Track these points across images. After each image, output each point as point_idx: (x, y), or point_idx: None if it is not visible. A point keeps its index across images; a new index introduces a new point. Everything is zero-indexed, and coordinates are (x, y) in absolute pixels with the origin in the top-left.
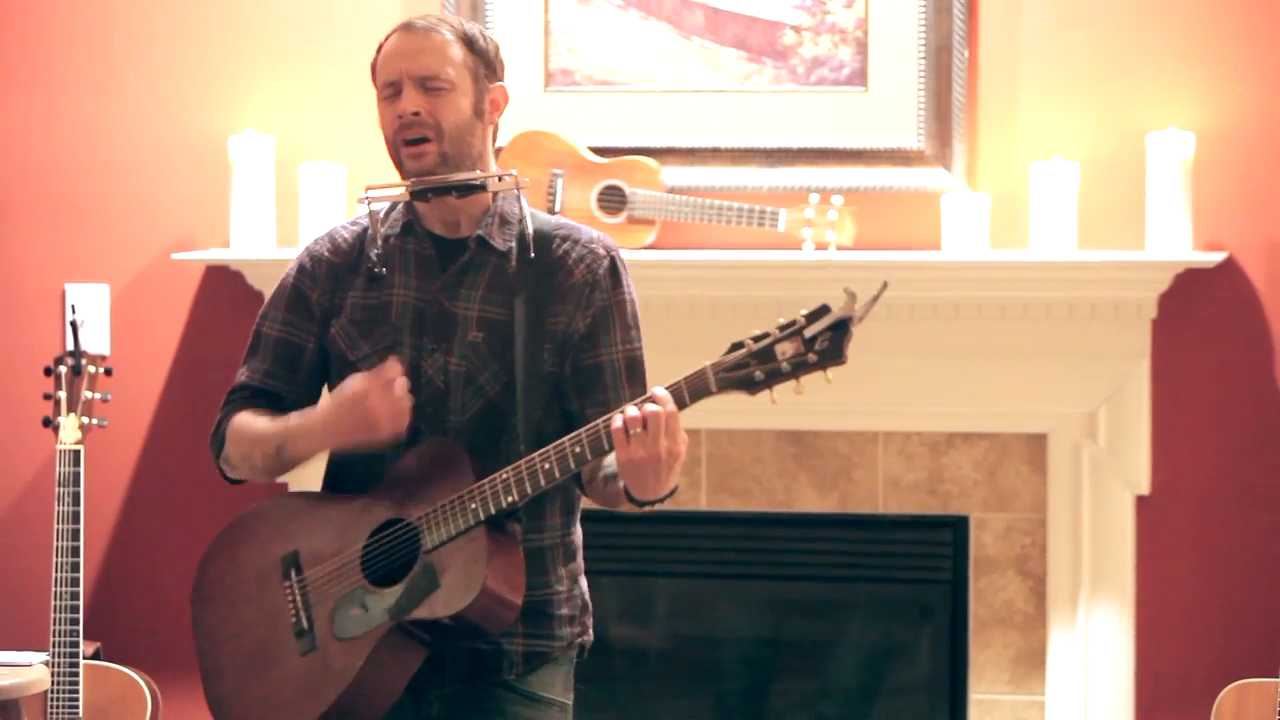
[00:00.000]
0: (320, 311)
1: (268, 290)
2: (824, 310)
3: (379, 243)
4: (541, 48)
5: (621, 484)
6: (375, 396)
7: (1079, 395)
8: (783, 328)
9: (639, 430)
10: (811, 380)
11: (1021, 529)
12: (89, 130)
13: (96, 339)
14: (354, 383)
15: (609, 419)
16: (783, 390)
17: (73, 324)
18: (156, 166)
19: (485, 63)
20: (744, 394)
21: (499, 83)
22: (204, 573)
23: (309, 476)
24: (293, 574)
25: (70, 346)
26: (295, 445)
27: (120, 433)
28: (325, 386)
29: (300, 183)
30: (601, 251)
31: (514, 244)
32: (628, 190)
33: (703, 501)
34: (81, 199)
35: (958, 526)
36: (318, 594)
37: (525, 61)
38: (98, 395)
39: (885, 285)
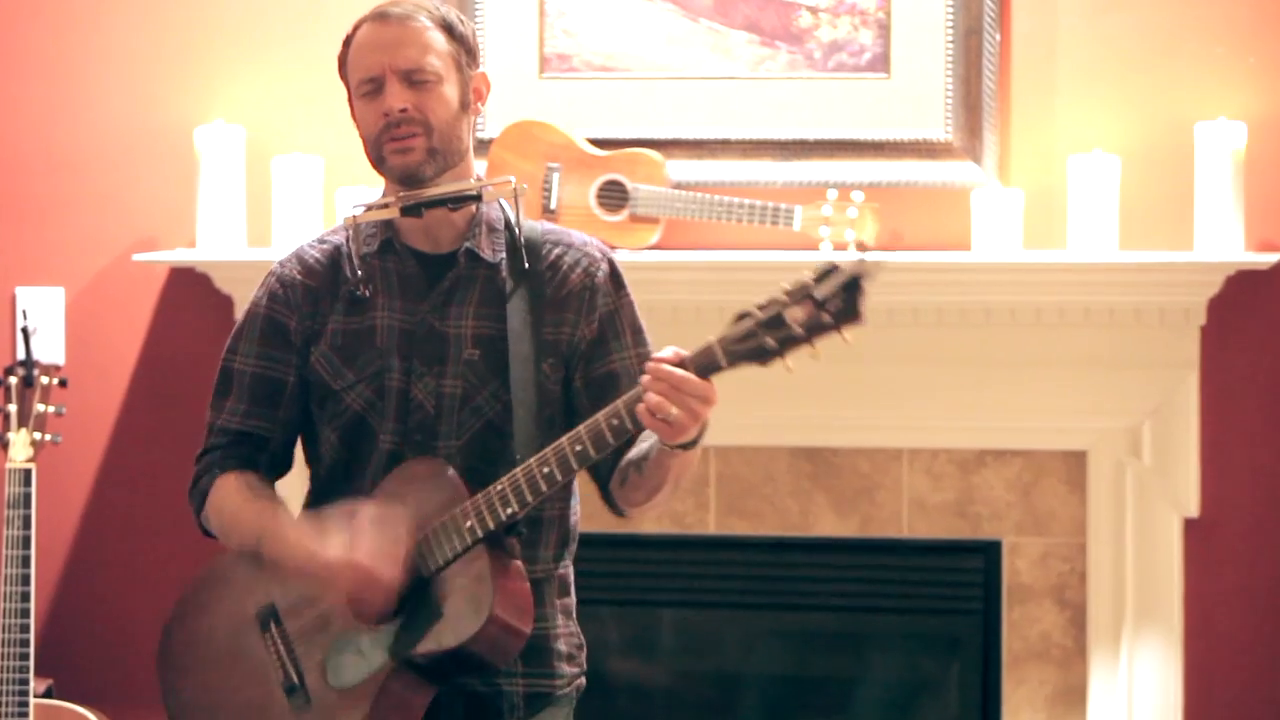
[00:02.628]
0: (299, 340)
1: (237, 294)
2: (832, 268)
3: (357, 262)
4: (536, 30)
5: (652, 447)
6: (346, 587)
7: (1121, 409)
8: (790, 292)
9: (671, 412)
10: (827, 383)
11: (1059, 555)
12: (41, 120)
13: (50, 347)
14: (355, 552)
15: (610, 413)
16: (798, 397)
17: (24, 331)
18: (116, 159)
19: (465, 49)
20: (757, 365)
21: (479, 69)
22: (171, 637)
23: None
24: (272, 626)
25: (21, 355)
26: (271, 549)
27: (75, 450)
28: (304, 421)
29: (273, 177)
30: (597, 255)
31: (504, 254)
32: (630, 185)
33: (711, 525)
34: (33, 194)
35: (989, 552)
36: (304, 644)
37: (518, 45)
38: (51, 409)
39: (898, 236)
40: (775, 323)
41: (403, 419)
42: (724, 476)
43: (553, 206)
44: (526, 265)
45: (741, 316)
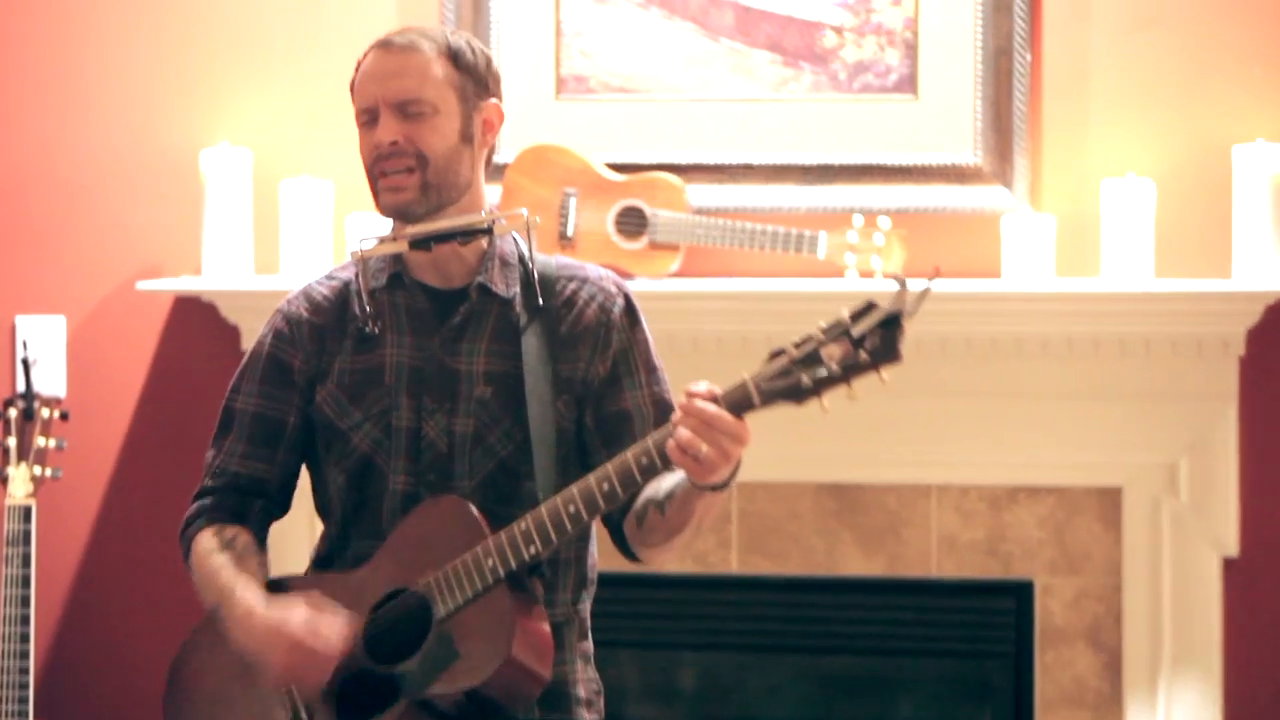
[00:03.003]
0: (303, 379)
1: (244, 323)
2: (870, 306)
3: (366, 297)
4: (552, 51)
5: (677, 484)
6: (295, 656)
7: (1158, 443)
8: (826, 330)
9: (702, 450)
10: (854, 418)
11: (1093, 595)
12: (41, 142)
13: (51, 379)
14: (293, 626)
15: (639, 451)
16: (821, 432)
17: (24, 362)
18: (119, 183)
19: (474, 79)
20: (792, 404)
21: (492, 99)
22: (178, 674)
23: (294, 555)
24: None
25: (21, 387)
26: (224, 612)
27: (77, 486)
28: (307, 460)
29: (281, 201)
30: (613, 289)
31: (518, 288)
32: (649, 211)
33: (733, 564)
34: (33, 220)
35: (1021, 593)
36: None
37: (534, 66)
38: (52, 443)
39: (937, 271)
40: (811, 361)
41: (415, 458)
42: (747, 513)
43: (569, 233)
44: (540, 300)
45: (776, 354)
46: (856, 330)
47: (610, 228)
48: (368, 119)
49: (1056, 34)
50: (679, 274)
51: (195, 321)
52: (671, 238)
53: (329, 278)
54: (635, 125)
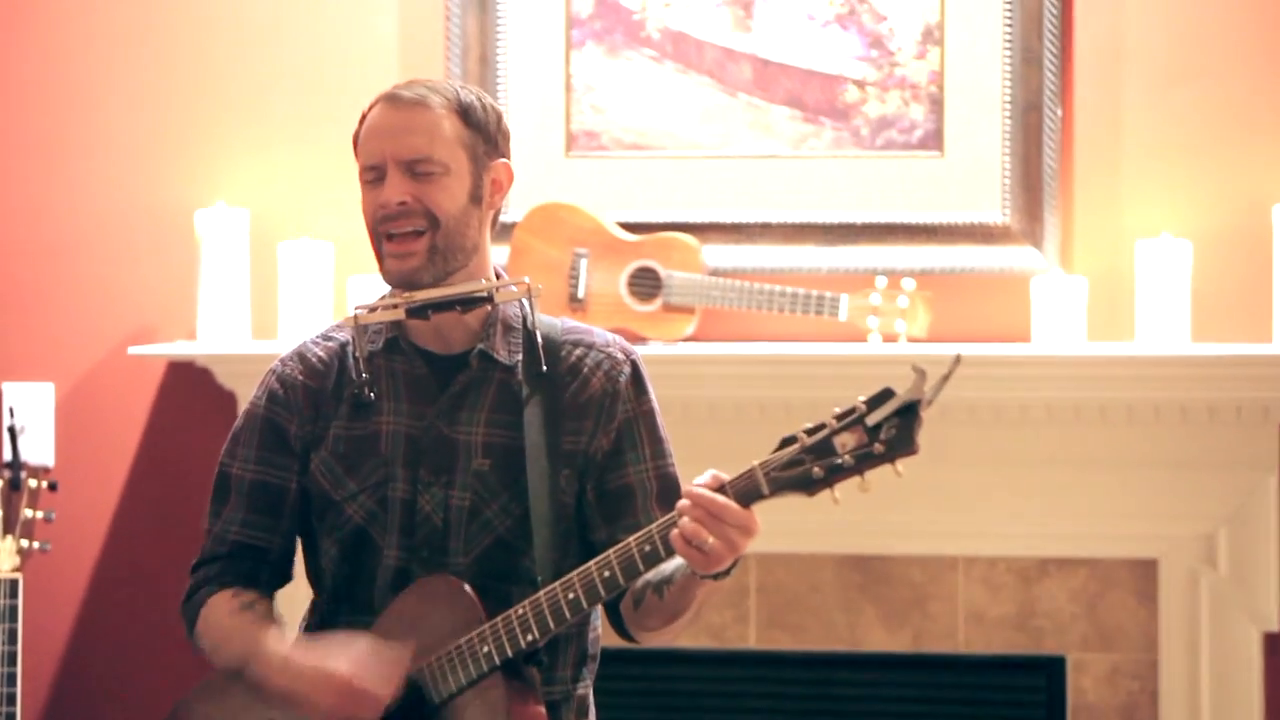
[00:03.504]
0: (300, 445)
1: (240, 390)
2: (887, 394)
3: (362, 363)
4: (562, 106)
5: (678, 569)
6: (345, 702)
7: (1195, 513)
8: (840, 417)
9: (708, 541)
10: (877, 486)
11: (1128, 672)
12: (30, 202)
13: (39, 448)
14: (341, 667)
15: (643, 538)
16: (844, 503)
17: (10, 430)
18: (110, 244)
19: (485, 137)
20: (802, 495)
21: (501, 159)
22: None
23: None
24: None
25: (7, 456)
26: (256, 667)
27: (66, 559)
28: (301, 532)
29: (280, 264)
30: (620, 356)
31: (520, 355)
32: (663, 273)
33: (751, 639)
34: (21, 282)
35: (1053, 669)
36: None
37: (543, 122)
38: (39, 514)
39: (958, 360)
40: (823, 450)
41: (409, 532)
42: (765, 586)
43: (580, 295)
44: (544, 368)
45: (787, 441)
46: (872, 419)
47: (623, 289)
48: (373, 177)
49: (1088, 88)
50: (694, 337)
51: (190, 388)
52: (687, 300)
53: (324, 338)
54: (649, 183)
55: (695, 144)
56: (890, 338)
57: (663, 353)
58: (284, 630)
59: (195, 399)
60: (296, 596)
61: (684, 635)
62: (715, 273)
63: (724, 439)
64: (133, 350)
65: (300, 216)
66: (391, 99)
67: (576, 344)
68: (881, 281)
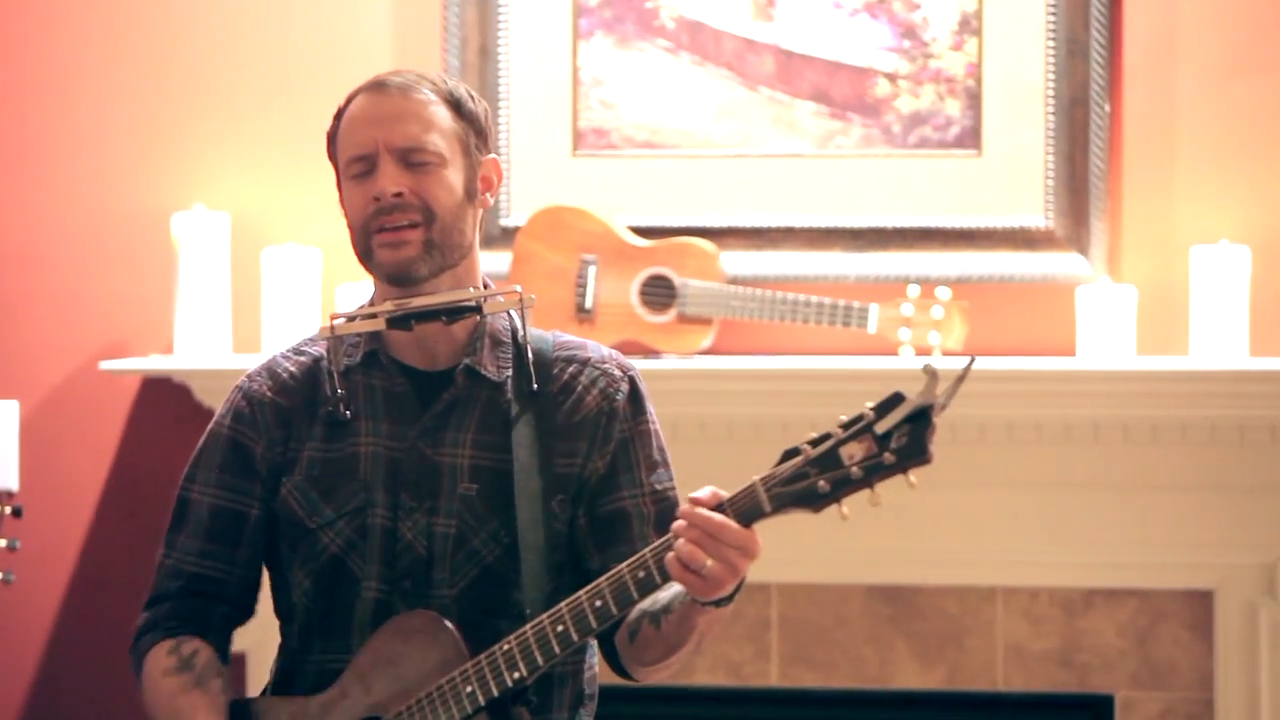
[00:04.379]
0: (267, 468)
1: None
2: (897, 399)
3: (338, 378)
4: (569, 101)
5: (676, 597)
6: None
7: (1253, 541)
8: (846, 425)
9: (705, 564)
10: (906, 513)
11: (1181, 712)
12: None
13: (2, 470)
14: None
15: (636, 564)
16: (872, 529)
17: None
18: (80, 252)
19: (476, 130)
20: (808, 511)
21: (491, 155)
22: None
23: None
24: None
25: None
26: None
27: (32, 590)
28: (269, 558)
29: (263, 271)
30: (617, 373)
31: (510, 371)
32: (678, 281)
33: (773, 676)
34: None
35: (1100, 708)
36: None
37: (549, 119)
38: (3, 542)
39: (972, 361)
40: (829, 461)
41: (389, 563)
42: (788, 619)
43: (588, 305)
44: (535, 386)
45: (790, 454)
46: (881, 426)
47: (634, 299)
48: (362, 169)
49: (1139, 82)
50: (711, 351)
51: (165, 406)
52: (703, 310)
53: (296, 352)
54: (662, 184)
55: (713, 142)
56: (923, 351)
57: (677, 367)
58: (227, 686)
59: (171, 417)
60: (270, 629)
61: (699, 671)
62: (734, 281)
63: (742, 460)
64: (104, 365)
65: (285, 220)
66: (378, 86)
67: (570, 360)
68: (914, 290)
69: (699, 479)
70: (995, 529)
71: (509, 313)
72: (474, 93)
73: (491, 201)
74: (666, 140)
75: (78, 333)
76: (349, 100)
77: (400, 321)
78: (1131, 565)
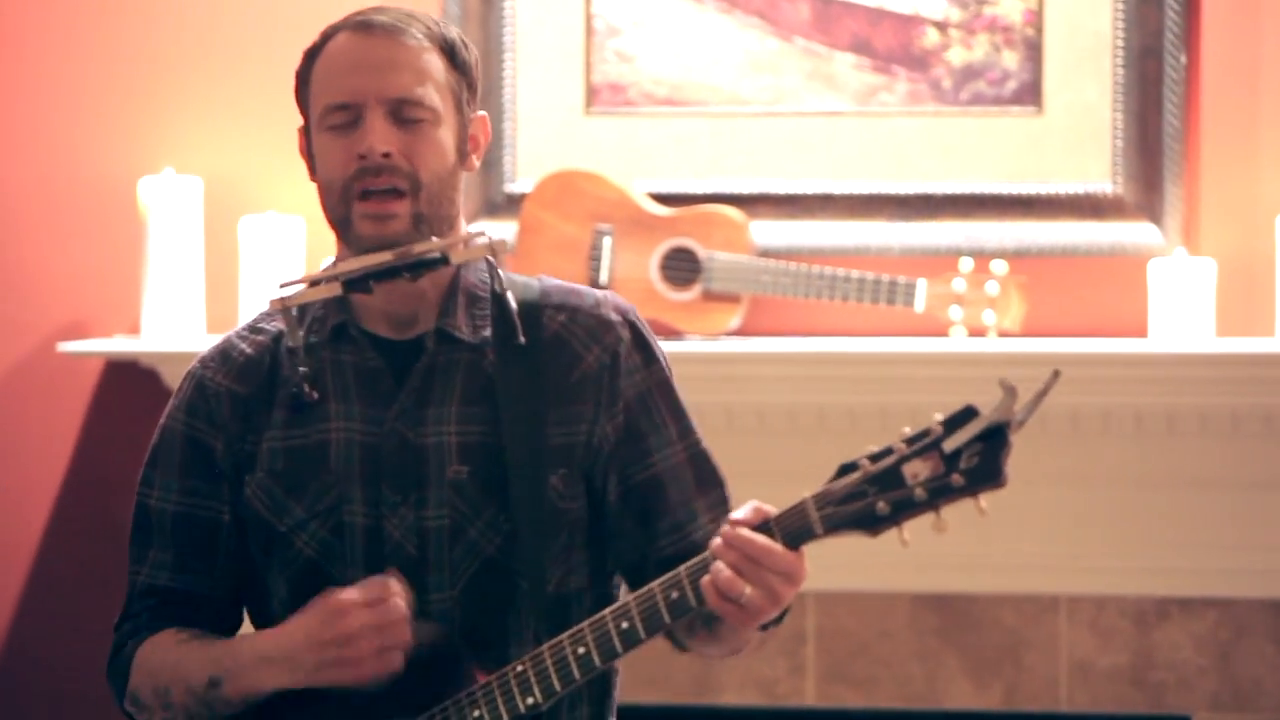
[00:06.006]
0: (230, 466)
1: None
2: (969, 413)
3: (300, 354)
4: (582, 53)
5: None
6: (362, 625)
7: None
8: (911, 441)
9: (744, 592)
10: (959, 512)
11: None
12: None
13: None
14: (338, 603)
15: (669, 582)
16: (919, 531)
17: None
18: (37, 221)
19: (468, 81)
20: (863, 535)
21: (481, 112)
22: None
23: None
24: None
25: None
26: (238, 680)
27: None
28: (247, 568)
29: (241, 242)
30: (615, 317)
31: (489, 330)
32: (703, 254)
33: (809, 694)
34: None
35: None
36: None
37: (559, 73)
38: None
39: (1056, 375)
40: (890, 480)
41: (375, 566)
42: (826, 631)
43: (603, 281)
44: (522, 339)
45: (846, 468)
46: (950, 444)
47: (654, 274)
48: (344, 119)
49: (1219, 29)
50: (740, 331)
51: (131, 392)
52: (731, 286)
53: (252, 330)
54: (685, 146)
55: (741, 99)
56: (977, 332)
57: (702, 349)
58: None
59: (138, 405)
60: None
61: (727, 690)
62: (765, 254)
63: (775, 454)
64: (63, 347)
65: (265, 186)
66: (363, 26)
67: (560, 307)
68: (967, 264)
69: (727, 473)
70: (1058, 531)
71: (487, 262)
72: (464, 38)
73: (476, 165)
74: (690, 97)
75: (33, 311)
76: (325, 37)
77: (357, 284)
78: (1211, 571)
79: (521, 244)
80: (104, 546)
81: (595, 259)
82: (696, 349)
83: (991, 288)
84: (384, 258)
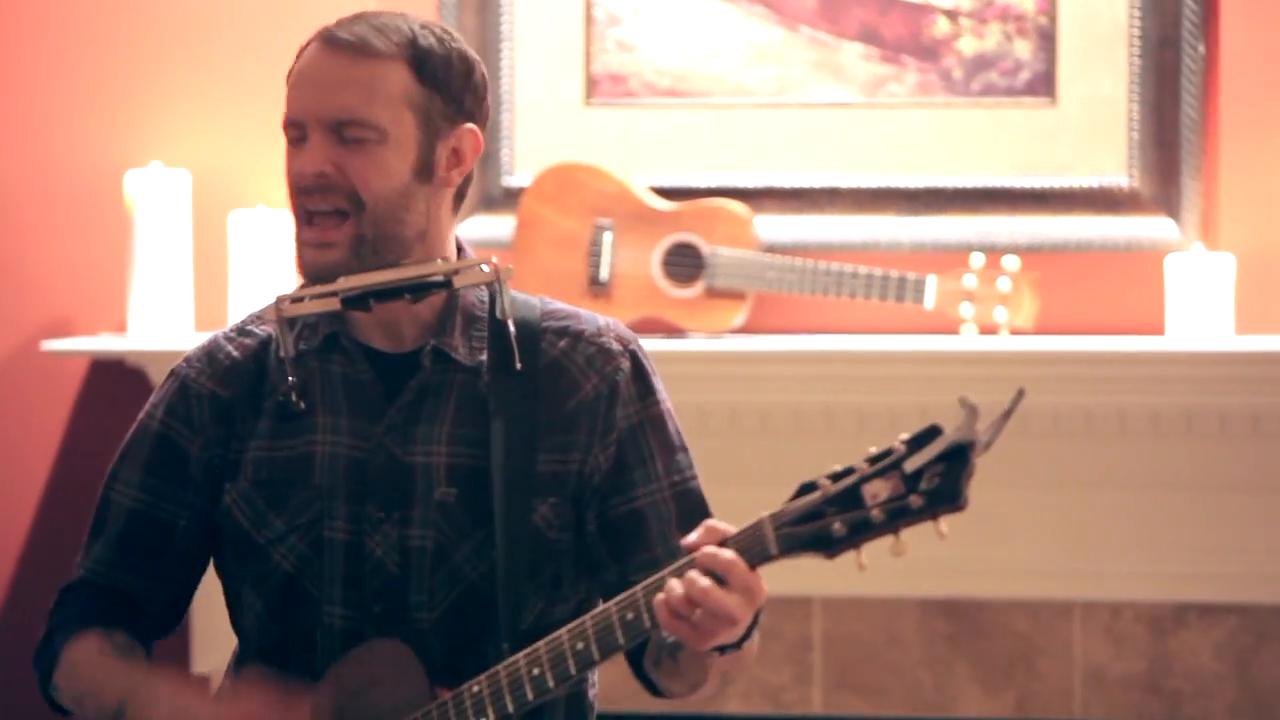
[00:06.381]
0: (203, 472)
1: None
2: (932, 433)
3: (289, 363)
4: (581, 41)
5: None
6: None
7: None
8: (874, 460)
9: (695, 612)
10: (968, 515)
11: None
12: None
13: None
14: (256, 713)
15: (624, 602)
16: (928, 535)
17: None
18: (20, 216)
19: (446, 95)
20: (820, 557)
21: (469, 124)
22: None
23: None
24: None
25: None
26: (139, 711)
27: None
28: (218, 571)
29: (230, 237)
30: (616, 346)
31: (486, 352)
32: (706, 249)
33: (815, 703)
34: None
35: None
36: None
37: (558, 63)
38: None
39: (1022, 394)
40: (849, 500)
41: (355, 584)
42: (833, 638)
43: (603, 277)
44: (519, 365)
45: (806, 488)
46: (911, 464)
47: (656, 270)
48: (294, 136)
49: (1239, 18)
50: (744, 329)
51: (117, 392)
52: (735, 283)
53: (240, 333)
54: (688, 138)
55: (745, 90)
56: (989, 329)
57: (705, 348)
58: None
59: (124, 405)
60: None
61: (732, 699)
62: (770, 249)
63: (780, 456)
64: (47, 345)
65: (255, 179)
66: (328, 40)
67: (561, 333)
68: (978, 260)
69: (730, 475)
70: (1072, 534)
71: (488, 287)
72: (454, 44)
73: (459, 180)
74: (693, 87)
75: (16, 308)
76: (308, 43)
77: (357, 301)
78: (1230, 576)
79: (519, 239)
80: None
81: (595, 255)
82: (699, 347)
83: (1004, 284)
84: (387, 276)
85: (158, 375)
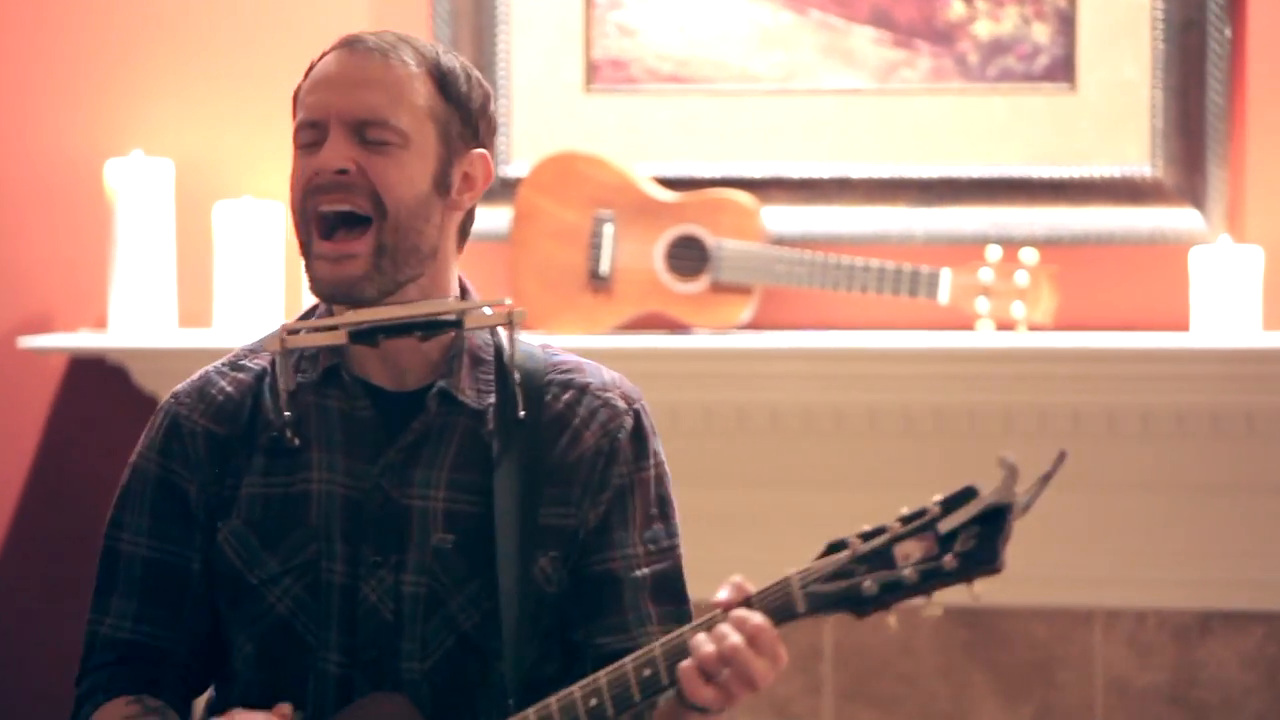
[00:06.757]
0: (203, 511)
1: (165, 393)
2: (969, 494)
3: (284, 397)
4: (580, 26)
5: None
6: None
7: None
8: (906, 520)
9: (723, 672)
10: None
11: None
12: None
13: None
14: None
15: (642, 659)
16: None
17: None
18: None
19: (463, 115)
20: (850, 616)
21: (480, 149)
22: None
23: None
24: None
25: None
26: None
27: None
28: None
29: (215, 230)
30: (621, 405)
31: (493, 397)
32: (711, 242)
33: (826, 714)
34: None
35: None
36: None
37: (557, 48)
38: None
39: (1064, 455)
40: (880, 560)
41: (348, 630)
42: (844, 647)
43: (603, 271)
44: (523, 413)
45: (836, 546)
46: (946, 525)
47: (659, 264)
48: (311, 138)
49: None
50: (751, 325)
51: (98, 391)
52: (741, 277)
53: (234, 366)
54: (692, 126)
55: (752, 76)
56: (1006, 325)
57: (711, 345)
58: None
59: (105, 404)
60: None
61: (742, 712)
62: (778, 242)
63: (789, 456)
64: (25, 342)
65: (240, 169)
66: (351, 44)
67: (567, 385)
68: (994, 253)
69: (737, 477)
70: (1093, 540)
71: (495, 329)
72: (474, 73)
73: (469, 204)
74: (697, 73)
75: None
76: (322, 55)
77: (365, 336)
78: (1256, 583)
79: (517, 231)
80: (68, 551)
81: (595, 248)
82: (705, 344)
83: (1021, 278)
84: (396, 312)
85: (140, 373)
